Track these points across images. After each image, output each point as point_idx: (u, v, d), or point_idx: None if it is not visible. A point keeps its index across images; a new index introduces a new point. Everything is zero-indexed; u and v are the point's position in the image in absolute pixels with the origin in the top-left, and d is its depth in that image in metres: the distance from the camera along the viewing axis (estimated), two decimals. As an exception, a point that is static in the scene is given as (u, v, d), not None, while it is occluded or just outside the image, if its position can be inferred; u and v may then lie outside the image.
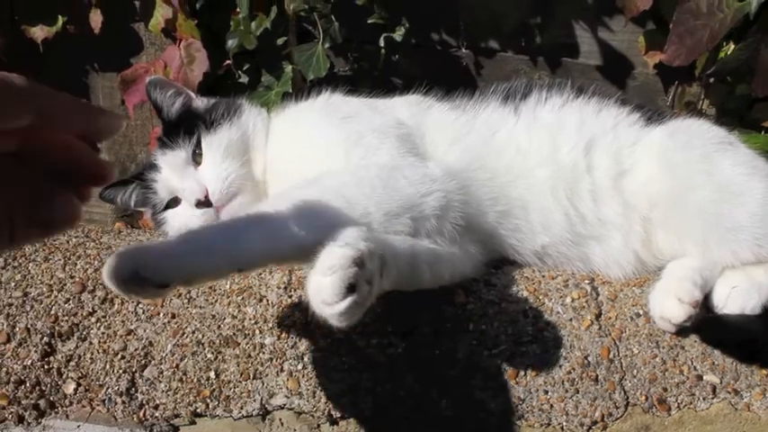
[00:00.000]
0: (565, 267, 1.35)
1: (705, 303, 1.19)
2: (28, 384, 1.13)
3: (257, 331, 1.15)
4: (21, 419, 1.13)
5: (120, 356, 1.15)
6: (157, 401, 1.14)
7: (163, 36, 1.87)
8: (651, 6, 1.67)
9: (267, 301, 1.17)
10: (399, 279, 1.01)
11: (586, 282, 1.29)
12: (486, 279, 1.26)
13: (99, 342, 1.15)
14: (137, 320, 1.17)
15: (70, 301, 1.17)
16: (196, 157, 1.36)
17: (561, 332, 1.19)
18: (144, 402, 1.14)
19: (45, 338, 1.14)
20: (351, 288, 0.84)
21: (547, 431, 1.16)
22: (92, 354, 1.15)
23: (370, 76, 1.88)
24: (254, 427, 1.14)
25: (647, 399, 1.17)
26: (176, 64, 1.74)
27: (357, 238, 0.88)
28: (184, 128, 1.37)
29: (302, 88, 1.66)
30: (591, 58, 1.92)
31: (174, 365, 1.14)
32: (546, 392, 1.15)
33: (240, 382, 1.13)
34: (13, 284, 1.19)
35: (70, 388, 1.14)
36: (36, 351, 1.14)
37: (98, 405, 1.14)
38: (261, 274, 1.22)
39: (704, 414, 1.18)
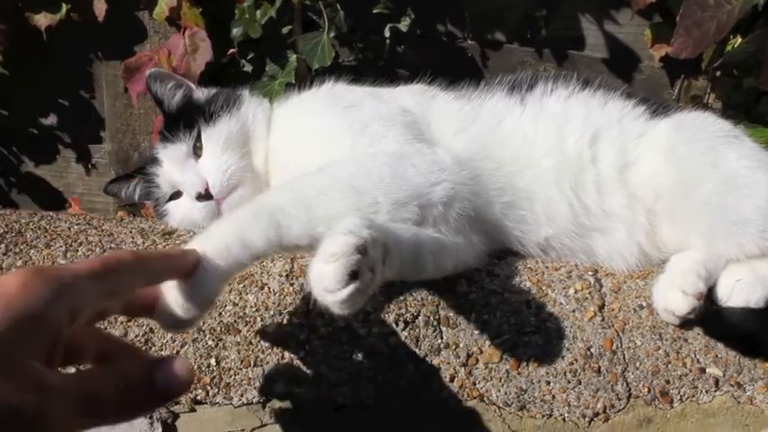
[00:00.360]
0: (568, 259, 1.35)
1: (709, 296, 1.18)
2: (28, 370, 1.12)
3: (258, 319, 1.14)
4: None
5: (120, 343, 1.14)
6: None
7: (167, 24, 1.87)
8: (658, -1, 1.66)
9: (269, 288, 1.17)
10: (402, 268, 1.00)
11: (590, 273, 1.28)
12: (488, 269, 1.25)
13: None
14: (138, 307, 1.16)
15: (71, 288, 1.17)
16: (197, 150, 1.35)
17: (564, 323, 1.19)
18: (144, 389, 1.13)
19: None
20: (353, 275, 0.83)
21: (548, 422, 1.15)
22: (92, 340, 1.14)
23: (375, 67, 1.87)
24: (255, 414, 1.13)
25: (649, 391, 1.16)
26: (180, 52, 1.73)
27: (360, 225, 0.87)
28: (185, 121, 1.37)
29: (306, 78, 1.66)
30: (597, 51, 1.91)
31: (175, 352, 1.13)
32: (548, 383, 1.15)
33: (241, 369, 1.13)
34: (14, 271, 1.18)
35: (71, 374, 1.14)
36: (37, 337, 1.13)
37: (99, 391, 1.13)
38: (262, 261, 1.22)
39: (707, 407, 1.18)
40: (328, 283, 0.83)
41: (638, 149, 1.37)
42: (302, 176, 1.09)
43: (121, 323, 1.15)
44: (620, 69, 1.92)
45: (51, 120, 2.13)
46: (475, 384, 1.14)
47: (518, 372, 1.15)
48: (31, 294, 0.65)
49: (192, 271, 0.86)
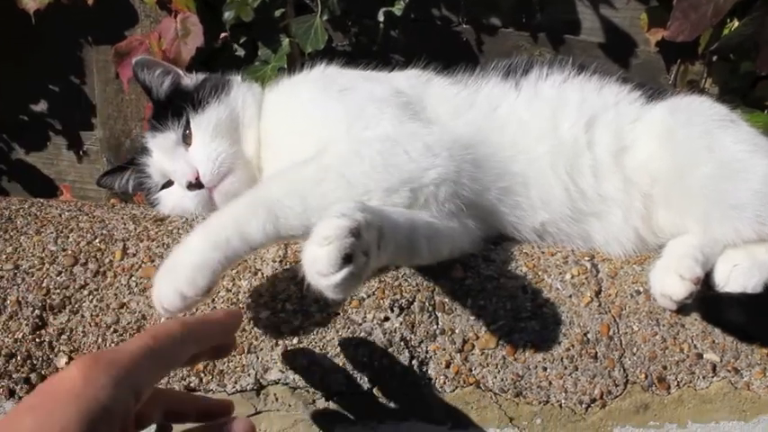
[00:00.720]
0: (564, 245, 1.34)
1: (706, 281, 1.17)
2: (19, 358, 1.11)
3: (251, 305, 1.13)
4: (12, 393, 1.11)
5: (112, 330, 1.13)
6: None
7: (158, 8, 1.85)
8: (653, -18, 1.65)
9: (262, 274, 1.16)
10: (397, 253, 1.00)
11: (586, 259, 1.27)
12: (484, 254, 1.24)
13: (91, 315, 1.13)
14: (129, 294, 1.15)
15: (62, 274, 1.15)
16: (186, 138, 1.34)
17: (560, 309, 1.18)
18: (136, 376, 1.12)
19: (36, 311, 1.12)
20: (347, 259, 0.82)
21: (545, 408, 1.15)
22: (84, 327, 1.13)
23: (369, 51, 1.85)
24: (249, 402, 1.12)
25: (646, 377, 1.16)
26: (171, 37, 1.71)
27: (353, 208, 0.87)
28: (173, 108, 1.36)
29: (298, 62, 1.64)
30: (593, 36, 1.90)
31: (168, 339, 1.12)
32: (545, 369, 1.14)
33: (234, 356, 1.11)
34: (4, 257, 1.17)
35: (62, 362, 1.12)
36: (27, 324, 1.12)
37: (90, 379, 1.12)
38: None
39: (704, 393, 1.18)
40: (321, 267, 0.82)
41: (633, 134, 1.36)
42: (296, 166, 1.10)
43: (113, 310, 1.14)
44: (616, 54, 1.91)
45: (41, 106, 2.10)
46: (471, 371, 1.13)
47: (514, 358, 1.14)
48: (95, 388, 0.69)
49: (235, 330, 0.98)
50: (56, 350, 1.12)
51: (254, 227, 0.98)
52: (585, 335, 1.16)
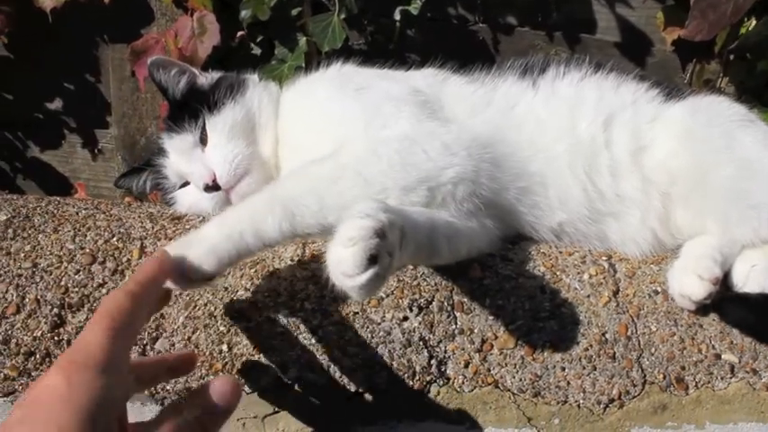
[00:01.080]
0: (582, 245, 1.33)
1: (724, 282, 1.16)
2: (38, 356, 1.11)
3: (270, 304, 1.13)
4: (31, 391, 1.12)
5: (131, 328, 1.13)
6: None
7: (174, 6, 1.85)
8: (670, -19, 1.64)
9: (280, 273, 1.16)
10: (418, 252, 1.00)
11: (604, 258, 1.27)
12: (502, 254, 1.24)
13: (110, 313, 1.14)
14: (148, 292, 1.15)
15: (80, 273, 1.16)
16: (203, 140, 1.34)
17: (579, 308, 1.18)
18: (155, 375, 1.13)
19: (55, 310, 1.13)
20: (372, 260, 0.82)
21: (563, 409, 1.15)
22: (103, 325, 1.13)
23: (385, 50, 1.85)
24: (267, 401, 1.13)
25: (664, 377, 1.15)
26: (187, 35, 1.71)
27: (377, 209, 0.86)
28: (189, 109, 1.36)
29: (315, 61, 1.64)
30: (608, 35, 1.89)
31: (186, 338, 1.12)
32: (563, 369, 1.14)
33: (253, 355, 1.12)
34: (22, 255, 1.17)
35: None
36: (46, 322, 1.12)
37: (109, 377, 1.13)
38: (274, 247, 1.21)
39: (722, 393, 1.17)
40: (347, 268, 0.82)
41: (652, 133, 1.35)
42: (313, 164, 1.10)
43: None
44: (632, 53, 1.90)
45: (57, 104, 2.11)
46: (489, 370, 1.13)
47: (533, 358, 1.14)
48: (82, 387, 0.70)
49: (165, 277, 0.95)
50: (75, 348, 1.12)
51: (269, 224, 0.98)
52: (604, 335, 1.16)
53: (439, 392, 1.13)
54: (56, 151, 2.19)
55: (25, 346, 1.11)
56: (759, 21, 1.59)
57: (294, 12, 1.75)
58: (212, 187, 1.30)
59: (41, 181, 2.22)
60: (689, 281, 1.14)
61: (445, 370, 1.13)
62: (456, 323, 1.14)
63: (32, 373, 1.11)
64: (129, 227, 1.24)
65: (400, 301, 1.14)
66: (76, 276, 1.15)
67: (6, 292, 1.12)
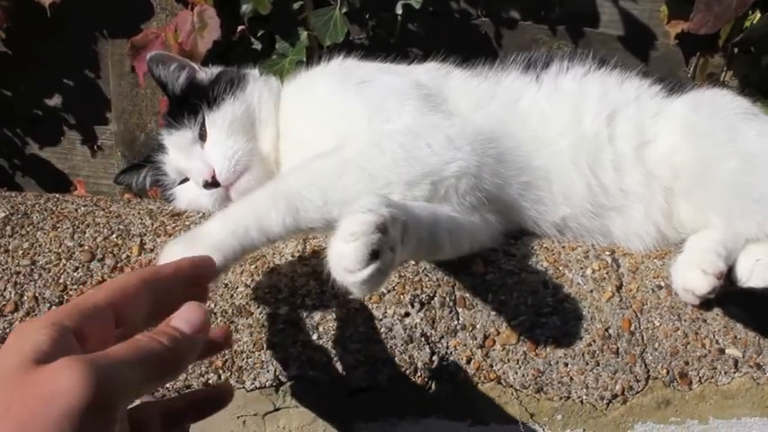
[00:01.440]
0: (585, 240, 1.33)
1: (728, 277, 1.16)
2: (38, 353, 1.11)
3: (271, 301, 1.12)
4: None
5: (131, 325, 1.12)
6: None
7: (174, 1, 1.83)
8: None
9: (281, 270, 1.15)
10: (420, 247, 0.99)
11: (607, 253, 1.26)
12: (505, 249, 1.23)
13: (110, 311, 1.13)
14: (148, 289, 1.14)
15: (79, 270, 1.15)
16: (203, 136, 1.33)
17: (581, 304, 1.17)
18: (155, 372, 1.12)
19: (54, 307, 1.12)
20: (374, 255, 0.81)
21: (566, 404, 1.14)
22: (102, 322, 1.13)
23: (387, 45, 1.84)
24: (268, 398, 1.12)
25: (668, 372, 1.15)
26: (187, 29, 1.70)
27: (379, 204, 0.86)
28: (189, 105, 1.35)
29: (316, 56, 1.63)
30: (611, 28, 1.88)
31: (187, 335, 1.12)
32: (566, 365, 1.13)
33: (253, 352, 1.11)
34: (20, 252, 1.16)
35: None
36: (45, 319, 1.11)
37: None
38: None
39: (726, 388, 1.17)
40: (348, 263, 0.81)
41: (655, 127, 1.35)
42: (316, 159, 1.10)
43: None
44: (636, 47, 1.89)
45: (56, 100, 2.09)
46: (492, 366, 1.12)
47: (535, 353, 1.13)
48: (75, 382, 0.60)
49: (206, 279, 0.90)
50: (75, 345, 1.12)
51: (273, 219, 0.98)
52: (607, 330, 1.15)
53: (441, 389, 1.12)
54: (55, 148, 2.18)
55: (24, 343, 1.10)
56: (764, 14, 1.57)
57: (295, 6, 1.74)
58: (212, 184, 1.29)
59: (40, 178, 2.21)
60: (693, 275, 1.13)
61: (447, 366, 1.12)
62: (458, 319, 1.13)
63: (32, 371, 1.10)
64: (128, 223, 1.24)
65: (402, 296, 1.13)
66: (75, 274, 1.14)
67: (5, 289, 1.11)
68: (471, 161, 1.14)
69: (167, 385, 1.10)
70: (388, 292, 1.13)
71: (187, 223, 1.26)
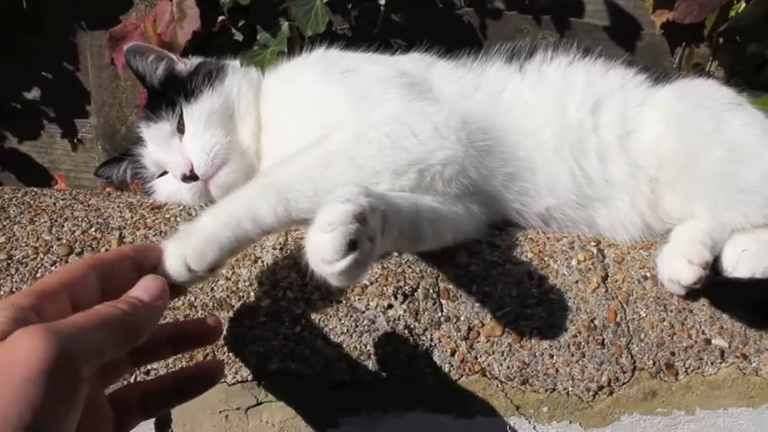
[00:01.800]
0: (570, 231, 1.32)
1: (714, 267, 1.15)
2: (14, 348, 1.09)
3: (252, 293, 1.11)
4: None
5: (109, 320, 1.10)
6: (148, 366, 1.09)
7: (153, -9, 1.81)
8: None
9: (262, 262, 1.13)
10: (401, 237, 0.98)
11: (592, 244, 1.25)
12: (489, 240, 1.22)
13: (87, 305, 1.11)
14: (127, 283, 1.12)
15: (57, 264, 1.13)
16: (181, 128, 1.32)
17: (567, 295, 1.16)
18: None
19: (31, 301, 1.10)
20: (352, 245, 0.80)
21: (552, 396, 1.13)
22: (80, 317, 1.11)
23: (369, 35, 1.82)
24: (250, 392, 1.10)
25: (654, 363, 1.14)
26: (166, 20, 1.68)
27: (357, 193, 0.84)
28: (166, 98, 1.33)
29: (298, 46, 1.61)
30: (597, 18, 1.88)
31: (166, 329, 1.10)
32: (551, 356, 1.12)
33: (235, 345, 1.09)
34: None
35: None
36: (22, 314, 1.09)
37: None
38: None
39: (712, 379, 1.16)
40: (326, 254, 0.80)
41: (640, 117, 1.34)
42: (304, 151, 1.10)
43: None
44: (621, 36, 1.89)
45: (34, 93, 2.07)
46: (476, 358, 1.11)
47: (520, 345, 1.12)
48: (35, 347, 0.62)
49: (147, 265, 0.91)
50: (52, 340, 1.10)
51: (265, 210, 0.97)
52: (592, 321, 1.14)
53: (425, 381, 1.11)
54: (34, 142, 2.15)
55: (0, 339, 1.08)
56: (748, 3, 1.57)
57: (276, -5, 1.73)
58: (190, 177, 1.27)
59: (20, 173, 2.18)
60: (679, 265, 1.13)
61: (431, 358, 1.11)
62: (442, 311, 1.12)
63: (8, 367, 1.08)
64: (107, 217, 1.21)
65: (384, 288, 1.11)
66: (53, 268, 1.12)
67: (-20, 284, 1.09)
68: (458, 150, 1.13)
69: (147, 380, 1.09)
70: (371, 283, 1.12)
71: (167, 216, 1.24)
